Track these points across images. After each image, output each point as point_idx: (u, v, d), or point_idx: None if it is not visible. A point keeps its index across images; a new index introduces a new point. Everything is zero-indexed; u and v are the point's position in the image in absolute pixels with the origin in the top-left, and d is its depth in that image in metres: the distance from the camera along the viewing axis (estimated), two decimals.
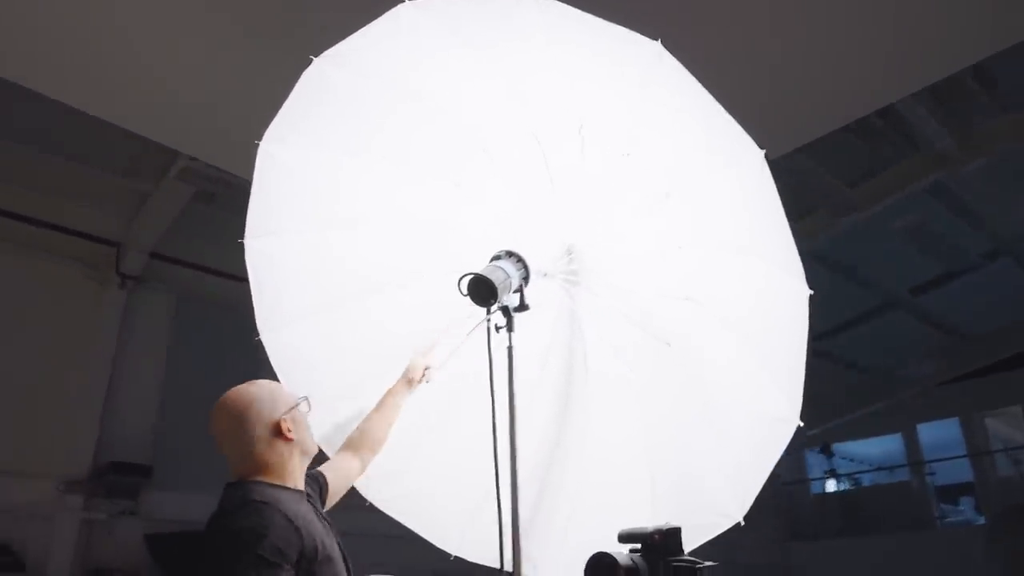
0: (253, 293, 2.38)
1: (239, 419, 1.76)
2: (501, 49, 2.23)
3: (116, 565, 6.52)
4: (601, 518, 2.29)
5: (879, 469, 13.92)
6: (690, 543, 2.31)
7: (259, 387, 1.84)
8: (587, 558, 1.75)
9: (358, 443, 2.25)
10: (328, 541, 1.74)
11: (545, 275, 2.42)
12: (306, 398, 1.91)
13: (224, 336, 6.37)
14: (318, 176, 2.39)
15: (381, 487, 2.54)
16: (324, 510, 2.05)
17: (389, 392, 2.35)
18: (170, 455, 7.02)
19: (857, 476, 13.98)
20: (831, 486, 13.69)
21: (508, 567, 1.92)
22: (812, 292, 2.17)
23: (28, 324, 6.64)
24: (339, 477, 2.13)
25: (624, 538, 1.65)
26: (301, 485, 1.85)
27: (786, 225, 2.19)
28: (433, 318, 2.56)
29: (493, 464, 2.01)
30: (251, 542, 1.54)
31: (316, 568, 1.63)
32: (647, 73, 2.12)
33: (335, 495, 2.10)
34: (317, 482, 2.01)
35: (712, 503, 2.27)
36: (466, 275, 2.05)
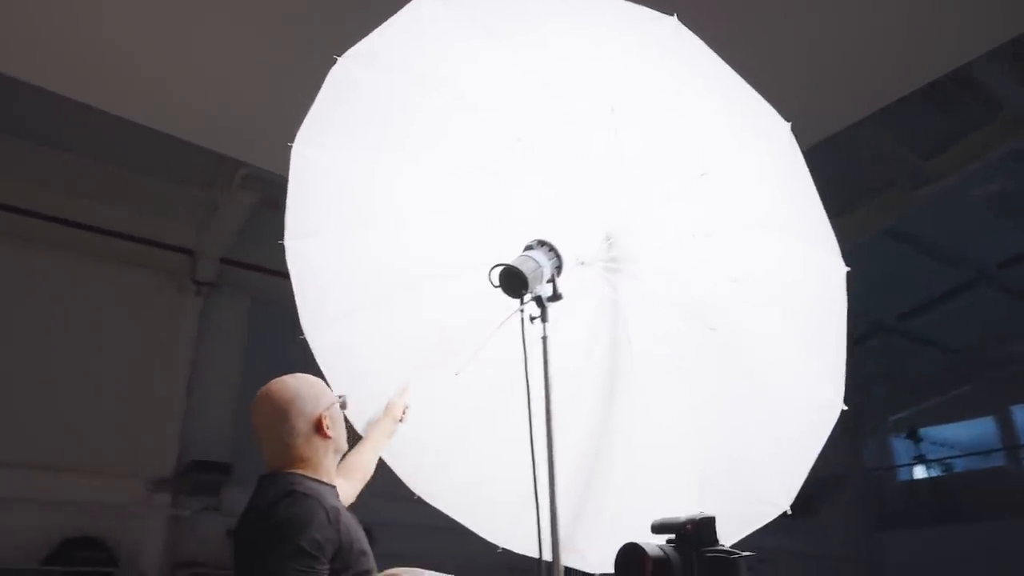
0: (296, 293, 2.43)
1: (282, 412, 1.80)
2: (524, 37, 2.21)
3: (202, 559, 6.82)
4: (649, 508, 2.25)
5: (971, 454, 13.23)
6: (737, 533, 2.27)
7: (301, 381, 1.88)
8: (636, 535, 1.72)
9: (350, 471, 2.25)
10: (362, 535, 1.77)
11: (582, 263, 2.40)
12: (343, 397, 1.93)
13: (296, 336, 6.55)
14: (353, 174, 2.42)
15: (429, 480, 2.57)
16: None
17: (374, 426, 2.41)
18: (248, 453, 7.27)
19: (948, 462, 13.31)
20: (919, 472, 13.10)
21: (548, 556, 1.91)
22: (849, 269, 2.07)
23: (114, 333, 7.00)
24: (346, 494, 2.16)
25: (657, 529, 1.61)
26: (333, 480, 1.88)
27: (818, 200, 2.09)
28: (476, 309, 2.57)
29: (530, 455, 1.99)
30: (293, 532, 1.58)
31: (352, 561, 1.66)
32: (669, 51, 2.07)
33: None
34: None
35: (759, 491, 2.20)
36: (496, 266, 2.04)
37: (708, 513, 1.57)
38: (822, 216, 2.12)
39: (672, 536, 1.60)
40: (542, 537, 1.91)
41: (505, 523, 2.54)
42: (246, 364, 7.97)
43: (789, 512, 2.14)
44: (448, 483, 2.56)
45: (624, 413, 2.55)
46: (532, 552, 2.47)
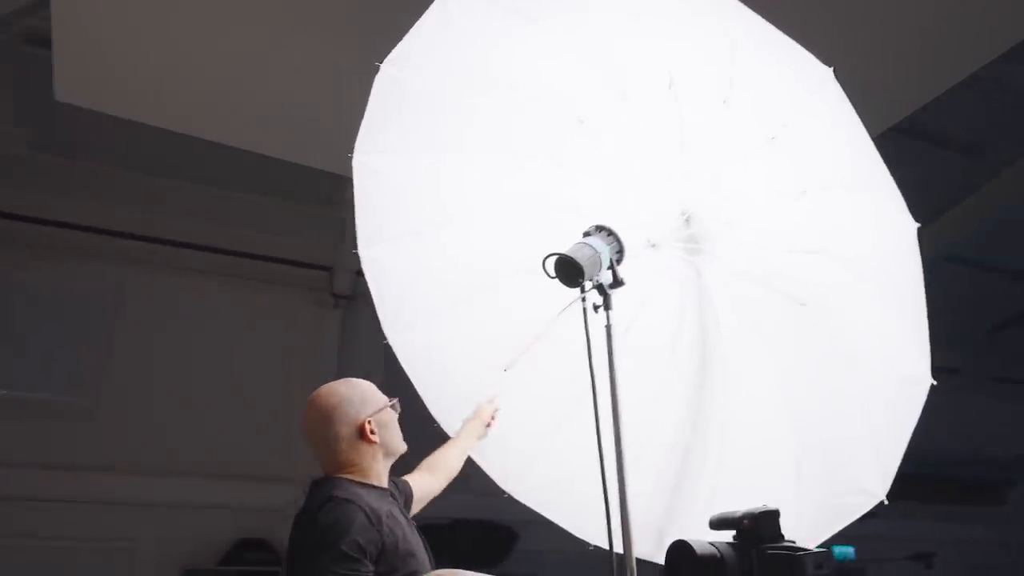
0: (375, 299, 2.49)
1: (326, 418, 1.84)
2: (565, 19, 2.15)
3: None
4: (744, 496, 2.12)
5: None
6: (834, 526, 2.08)
7: (349, 387, 1.91)
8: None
9: (436, 467, 2.29)
10: (412, 537, 1.77)
11: (653, 245, 2.29)
12: (396, 400, 1.95)
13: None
14: (418, 178, 2.45)
15: (520, 478, 2.55)
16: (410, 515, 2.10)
17: (465, 425, 2.43)
18: None
19: None
20: None
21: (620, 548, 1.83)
22: (919, 225, 1.83)
23: (264, 349, 7.53)
24: (423, 493, 2.19)
25: (715, 524, 1.50)
26: (384, 483, 1.89)
27: (875, 151, 1.87)
28: (556, 304, 2.52)
29: (597, 446, 1.91)
30: (334, 538, 1.61)
31: (398, 563, 1.66)
32: (714, 16, 1.92)
33: (418, 503, 2.15)
34: (398, 487, 2.05)
35: (856, 480, 2.01)
36: (550, 255, 1.98)
37: (771, 505, 1.43)
38: (884, 170, 1.89)
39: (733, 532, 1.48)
40: (612, 528, 1.82)
41: (595, 520, 2.46)
42: (387, 371, 8.32)
43: (886, 502, 1.92)
44: (540, 480, 2.53)
45: (716, 398, 2.42)
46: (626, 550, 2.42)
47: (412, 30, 2.12)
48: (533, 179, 2.49)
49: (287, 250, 7.76)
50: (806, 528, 1.94)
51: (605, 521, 1.84)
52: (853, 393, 2.04)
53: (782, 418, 2.21)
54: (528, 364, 2.52)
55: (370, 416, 1.86)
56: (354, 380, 1.95)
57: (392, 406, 1.94)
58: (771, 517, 1.42)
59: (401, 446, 1.95)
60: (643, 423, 2.48)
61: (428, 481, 2.28)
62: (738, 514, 1.44)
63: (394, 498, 1.94)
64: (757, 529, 1.41)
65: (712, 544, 1.40)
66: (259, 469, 7.14)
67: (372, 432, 1.85)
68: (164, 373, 6.68)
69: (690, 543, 1.39)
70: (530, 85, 2.31)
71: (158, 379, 6.52)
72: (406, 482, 2.16)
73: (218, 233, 7.31)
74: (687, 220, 2.36)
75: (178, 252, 6.90)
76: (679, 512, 2.30)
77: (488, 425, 2.51)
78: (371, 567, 1.62)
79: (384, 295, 2.49)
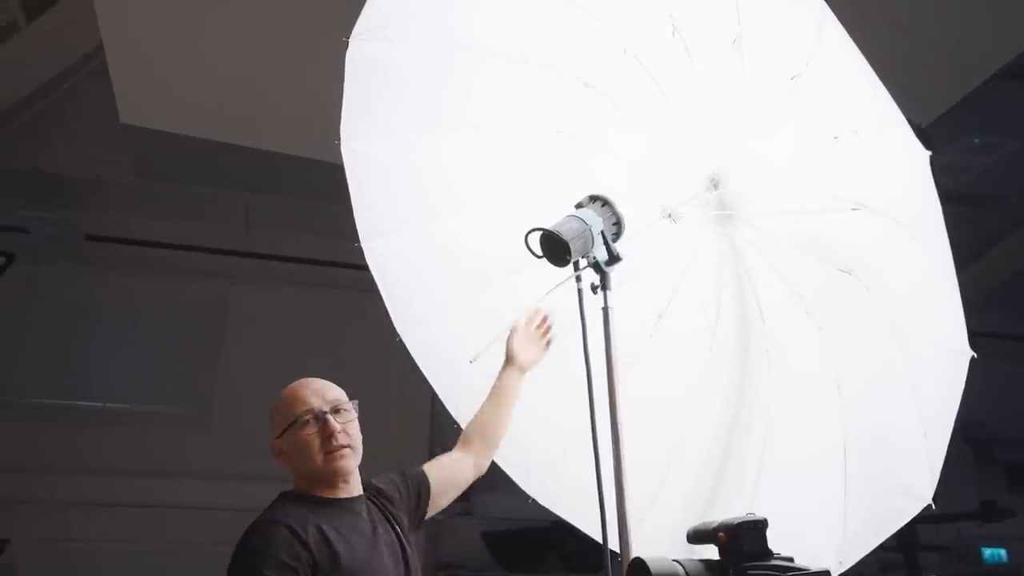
0: (383, 294, 2.35)
1: None
2: None
3: (459, 562, 7.14)
4: (790, 490, 1.83)
5: None
6: (880, 535, 1.73)
7: (273, 404, 1.74)
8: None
9: (469, 438, 2.07)
10: (370, 551, 1.60)
11: (669, 215, 2.02)
12: (306, 413, 1.67)
13: None
14: (417, 162, 2.29)
15: (543, 481, 2.34)
16: (429, 513, 1.91)
17: (498, 378, 2.13)
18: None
19: None
20: None
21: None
22: (931, 153, 1.46)
23: (361, 356, 7.65)
24: (448, 477, 1.98)
25: (692, 538, 1.23)
26: (341, 493, 1.70)
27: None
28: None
29: (592, 441, 1.67)
30: (253, 564, 1.49)
31: None
32: None
33: (441, 497, 1.95)
34: (407, 486, 1.88)
35: (905, 478, 1.65)
36: (532, 231, 1.76)
37: (757, 515, 1.16)
38: (886, 95, 1.54)
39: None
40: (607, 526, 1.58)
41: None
42: None
43: (933, 507, 1.56)
44: (566, 483, 2.31)
45: (760, 392, 2.10)
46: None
47: None
48: (542, 154, 2.28)
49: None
50: (851, 537, 1.62)
51: (599, 517, 1.61)
52: (901, 371, 1.70)
53: (831, 406, 1.88)
54: (553, 359, 2.31)
55: (276, 438, 1.70)
56: (283, 392, 1.75)
57: (298, 422, 1.66)
58: (752, 530, 1.13)
59: (316, 469, 1.67)
60: (683, 416, 2.22)
61: (458, 460, 2.05)
62: (713, 526, 1.17)
63: (377, 504, 1.78)
64: (737, 543, 1.13)
65: (678, 562, 1.14)
66: (371, 468, 7.24)
67: (282, 454, 1.70)
68: (268, 382, 6.90)
69: (647, 561, 1.13)
70: (523, 49, 2.10)
71: (263, 388, 6.76)
72: (421, 474, 1.95)
73: (314, 245, 7.50)
74: (715, 184, 2.07)
75: (277, 265, 7.13)
76: (718, 513, 2.00)
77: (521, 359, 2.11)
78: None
79: (392, 289, 2.34)
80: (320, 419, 1.68)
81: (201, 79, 4.48)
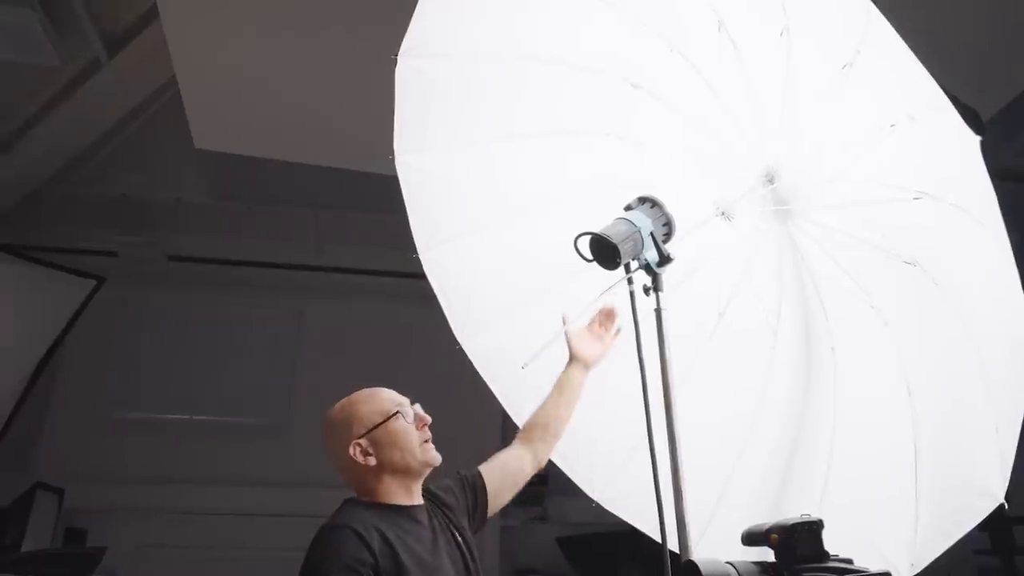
0: (442, 304, 2.40)
1: (324, 443, 1.78)
2: None
3: (535, 566, 7.14)
4: (860, 489, 1.77)
5: None
6: (951, 537, 1.65)
7: (341, 409, 1.79)
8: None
9: (530, 432, 2.08)
10: (433, 559, 1.63)
11: (723, 213, 1.99)
12: (398, 410, 1.76)
13: None
14: (470, 172, 2.33)
15: (607, 486, 2.34)
16: (490, 511, 1.94)
17: (562, 374, 2.13)
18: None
19: None
20: None
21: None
22: (981, 138, 1.38)
23: (428, 364, 7.75)
24: (505, 474, 2.00)
25: (746, 540, 1.21)
26: (407, 500, 1.75)
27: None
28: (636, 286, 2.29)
29: (648, 443, 1.66)
30: (322, 569, 1.54)
31: None
32: None
33: (500, 495, 1.97)
34: (464, 489, 1.90)
35: (976, 478, 1.59)
36: (582, 234, 1.76)
37: (812, 516, 1.13)
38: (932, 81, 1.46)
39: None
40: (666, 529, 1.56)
41: (694, 531, 2.18)
42: None
43: (1007, 506, 1.48)
44: (630, 486, 2.29)
45: (826, 389, 2.05)
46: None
47: (416, 13, 2.00)
48: (594, 157, 2.29)
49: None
50: (923, 539, 1.56)
51: (659, 523, 1.59)
52: (971, 365, 1.63)
53: (899, 403, 1.81)
54: (614, 362, 2.30)
55: (359, 438, 1.72)
56: (353, 397, 1.81)
57: (396, 415, 1.75)
58: (809, 530, 1.11)
59: (414, 461, 1.75)
60: (747, 416, 2.18)
61: (516, 456, 2.06)
62: (766, 527, 1.15)
63: (438, 512, 1.82)
64: (791, 545, 1.11)
65: (731, 564, 1.13)
66: (432, 475, 7.33)
67: (367, 454, 1.71)
68: (344, 392, 7.10)
69: (699, 563, 1.12)
70: (568, 54, 2.11)
71: (339, 398, 6.95)
72: (477, 476, 1.98)
73: (382, 256, 7.66)
74: (769, 179, 2.03)
75: (347, 278, 7.31)
76: (785, 514, 1.96)
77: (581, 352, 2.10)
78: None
79: (451, 298, 2.39)
80: (412, 413, 1.77)
81: (267, 103, 4.65)
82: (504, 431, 7.72)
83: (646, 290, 1.78)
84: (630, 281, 1.78)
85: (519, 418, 2.41)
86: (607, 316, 2.11)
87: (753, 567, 1.12)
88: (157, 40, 4.90)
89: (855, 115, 1.79)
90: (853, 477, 1.88)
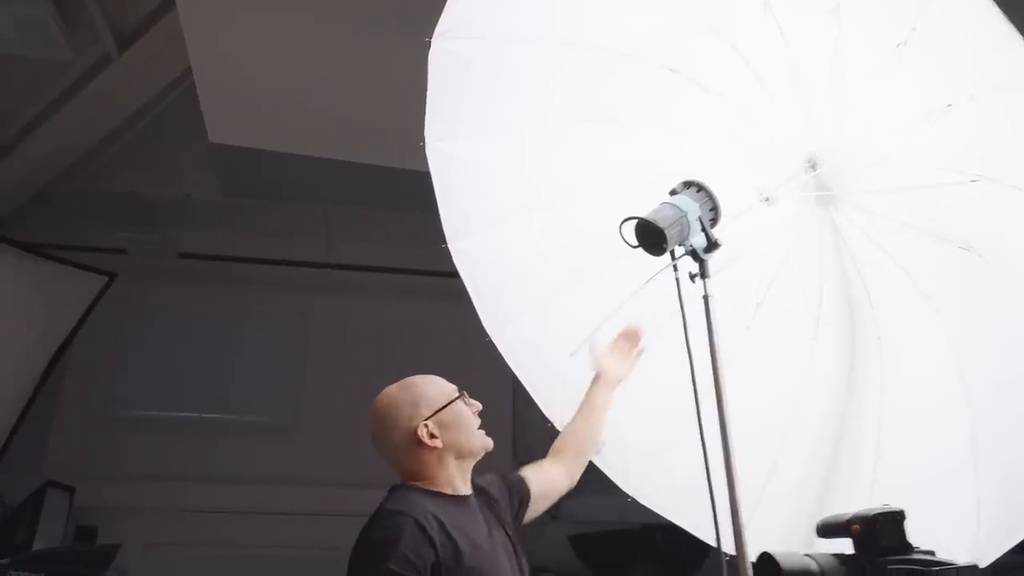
0: (471, 295, 2.35)
1: (381, 425, 1.70)
2: None
3: (547, 565, 7.08)
4: (909, 498, 1.71)
5: None
6: (1019, 529, 1.60)
7: (402, 389, 1.74)
8: None
9: (561, 452, 2.04)
10: (490, 551, 1.58)
11: (767, 199, 1.94)
12: (462, 394, 1.74)
13: None
14: (502, 160, 2.28)
15: (643, 480, 2.29)
16: (524, 520, 1.89)
17: (588, 393, 2.10)
18: None
19: None
20: None
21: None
22: None
23: (440, 360, 7.69)
24: (544, 484, 1.95)
25: (822, 531, 1.16)
26: (464, 487, 1.70)
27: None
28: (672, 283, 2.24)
29: (699, 433, 1.61)
30: (380, 556, 1.46)
31: None
32: None
33: (537, 505, 1.92)
34: (509, 490, 1.85)
35: None
36: (627, 219, 1.71)
37: (892, 506, 1.08)
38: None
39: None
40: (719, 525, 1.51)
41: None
42: None
43: None
44: (666, 481, 2.25)
45: (870, 377, 2.00)
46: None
47: None
48: (630, 145, 2.24)
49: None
50: (987, 533, 1.51)
51: (712, 519, 1.54)
52: None
53: (954, 392, 1.76)
54: (647, 355, 2.26)
55: (427, 419, 1.67)
56: (413, 379, 1.77)
57: (462, 399, 1.74)
58: (893, 520, 1.06)
59: (477, 444, 1.74)
60: (788, 405, 2.13)
61: (553, 471, 2.03)
62: (846, 517, 1.10)
63: (486, 504, 1.76)
64: (873, 536, 1.05)
65: (810, 556, 1.07)
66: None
67: (432, 436, 1.67)
68: (351, 390, 7.05)
69: (776, 556, 1.07)
70: (605, 39, 2.06)
71: (347, 396, 6.89)
72: (521, 479, 1.93)
73: (393, 253, 7.61)
74: (812, 164, 1.98)
75: (355, 275, 7.27)
76: (833, 506, 1.91)
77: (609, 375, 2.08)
78: None
79: (481, 289, 2.34)
80: (467, 400, 1.76)
81: (282, 96, 4.60)
82: (515, 430, 7.70)
83: (691, 277, 1.73)
84: (675, 268, 1.73)
85: (548, 409, 2.37)
86: (631, 336, 2.07)
87: (833, 560, 1.07)
88: (168, 36, 4.85)
89: (909, 95, 1.74)
90: (905, 467, 1.83)
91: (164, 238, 6.33)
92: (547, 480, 1.97)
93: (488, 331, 2.34)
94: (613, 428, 2.27)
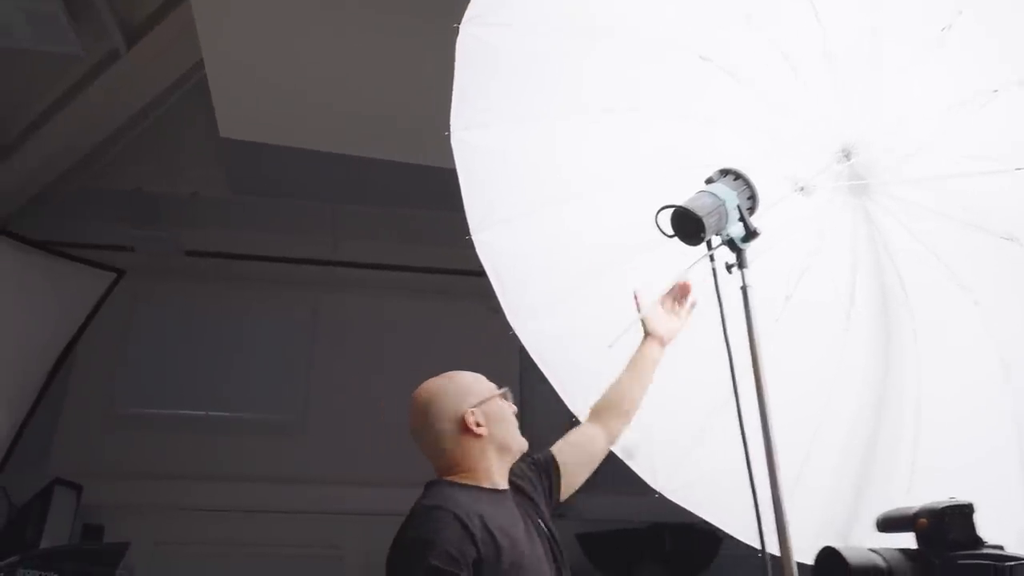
0: (495, 287, 2.31)
1: (425, 414, 1.67)
2: None
3: None
4: (952, 482, 1.68)
5: None
6: None
7: (449, 380, 1.73)
8: None
9: (604, 409, 1.98)
10: (528, 546, 1.55)
11: (802, 189, 1.90)
12: (506, 389, 1.74)
13: None
14: (530, 150, 2.24)
15: (671, 476, 2.25)
16: (562, 497, 1.86)
17: (638, 350, 2.02)
18: None
19: None
20: None
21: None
22: None
23: (449, 359, 7.63)
24: (577, 454, 1.90)
25: (883, 526, 1.13)
26: (502, 483, 1.67)
27: None
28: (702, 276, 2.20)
29: (739, 428, 1.58)
30: (421, 552, 1.43)
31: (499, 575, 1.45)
32: None
33: (575, 474, 1.88)
34: (538, 471, 1.82)
35: None
36: (664, 208, 1.68)
37: (959, 499, 1.04)
38: None
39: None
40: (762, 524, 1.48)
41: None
42: None
43: None
44: (695, 476, 2.21)
45: (906, 370, 1.96)
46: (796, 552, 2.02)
47: None
48: (660, 135, 2.20)
49: (464, 261, 7.84)
50: None
51: (755, 518, 1.51)
52: None
53: (995, 383, 1.72)
54: (675, 346, 2.21)
55: (473, 407, 1.66)
56: (456, 373, 1.76)
57: (503, 395, 1.74)
58: (961, 514, 1.02)
59: (516, 441, 1.72)
60: (817, 407, 2.09)
61: (590, 435, 1.96)
62: (912, 511, 1.06)
63: (522, 499, 1.73)
64: (941, 530, 1.02)
65: (875, 551, 1.04)
66: None
67: (478, 424, 1.64)
68: (360, 388, 7.03)
69: (841, 551, 1.04)
70: (636, 26, 2.02)
71: (355, 394, 6.86)
72: (549, 456, 1.88)
73: (399, 250, 7.57)
74: (846, 153, 1.94)
75: (361, 272, 7.23)
76: (866, 509, 1.87)
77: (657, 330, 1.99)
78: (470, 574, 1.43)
79: (504, 281, 2.30)
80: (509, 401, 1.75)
81: (294, 90, 4.56)
82: (524, 427, 7.60)
83: (728, 267, 1.69)
84: (712, 258, 1.69)
85: (571, 402, 2.33)
86: (682, 290, 2.02)
87: (899, 555, 1.04)
88: (176, 32, 4.82)
89: (952, 81, 1.70)
90: (946, 459, 1.79)
91: (170, 235, 6.29)
92: (581, 449, 1.93)
93: (512, 324, 2.31)
94: (638, 421, 2.23)
